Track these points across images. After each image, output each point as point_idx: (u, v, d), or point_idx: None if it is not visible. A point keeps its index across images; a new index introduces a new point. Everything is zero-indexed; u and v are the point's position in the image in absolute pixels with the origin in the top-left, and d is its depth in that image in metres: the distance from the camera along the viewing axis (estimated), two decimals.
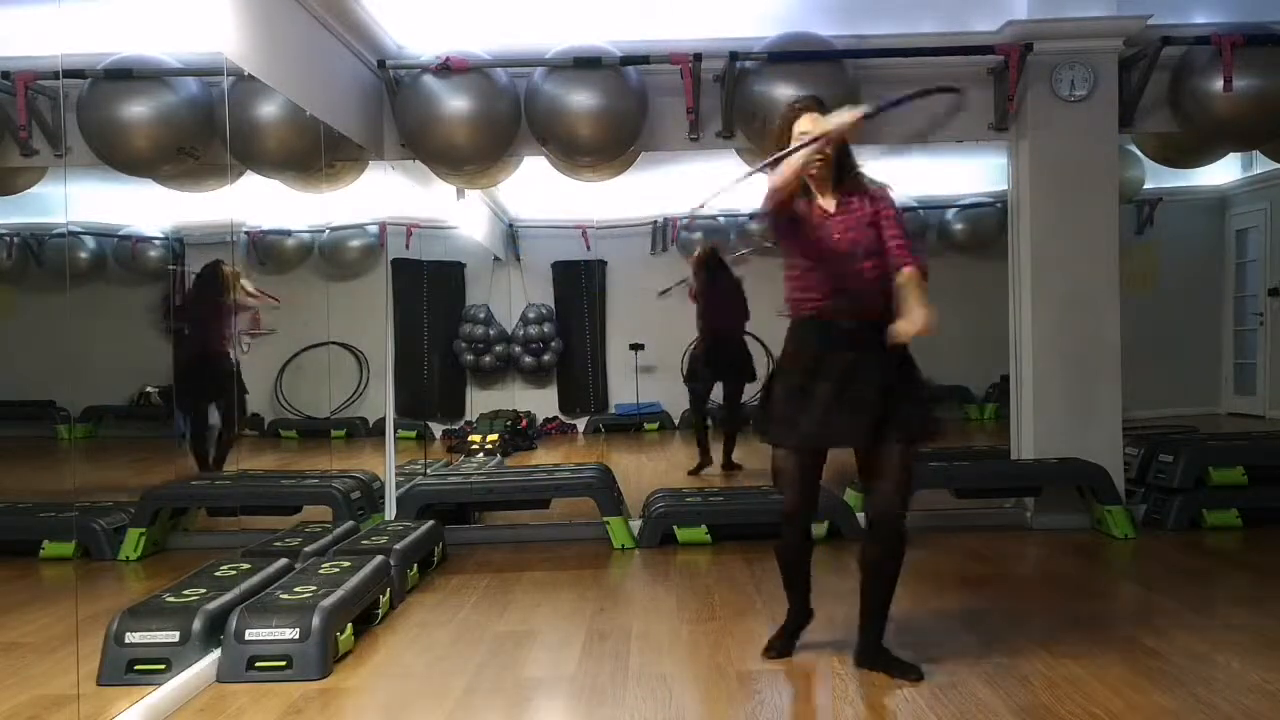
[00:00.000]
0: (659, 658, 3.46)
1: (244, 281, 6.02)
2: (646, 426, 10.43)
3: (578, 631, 3.79)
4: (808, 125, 3.17)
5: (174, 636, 3.27)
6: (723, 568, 4.73)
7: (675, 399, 10.29)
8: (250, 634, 3.33)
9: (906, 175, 9.53)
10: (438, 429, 9.25)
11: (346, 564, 3.95)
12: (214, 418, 6.18)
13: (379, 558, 4.10)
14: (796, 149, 3.09)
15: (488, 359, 10.48)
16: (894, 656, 3.23)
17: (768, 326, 9.57)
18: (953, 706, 2.93)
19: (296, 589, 3.60)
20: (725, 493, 5.84)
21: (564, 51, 5.20)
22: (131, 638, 3.26)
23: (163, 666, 3.21)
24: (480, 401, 10.31)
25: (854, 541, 5.02)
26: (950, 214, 9.98)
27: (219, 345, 5.98)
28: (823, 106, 3.25)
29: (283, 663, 3.30)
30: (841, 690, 3.13)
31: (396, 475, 5.51)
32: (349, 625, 3.58)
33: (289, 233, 7.68)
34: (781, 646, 3.44)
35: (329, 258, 7.95)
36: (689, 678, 3.27)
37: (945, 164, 9.02)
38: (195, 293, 5.97)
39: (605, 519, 5.27)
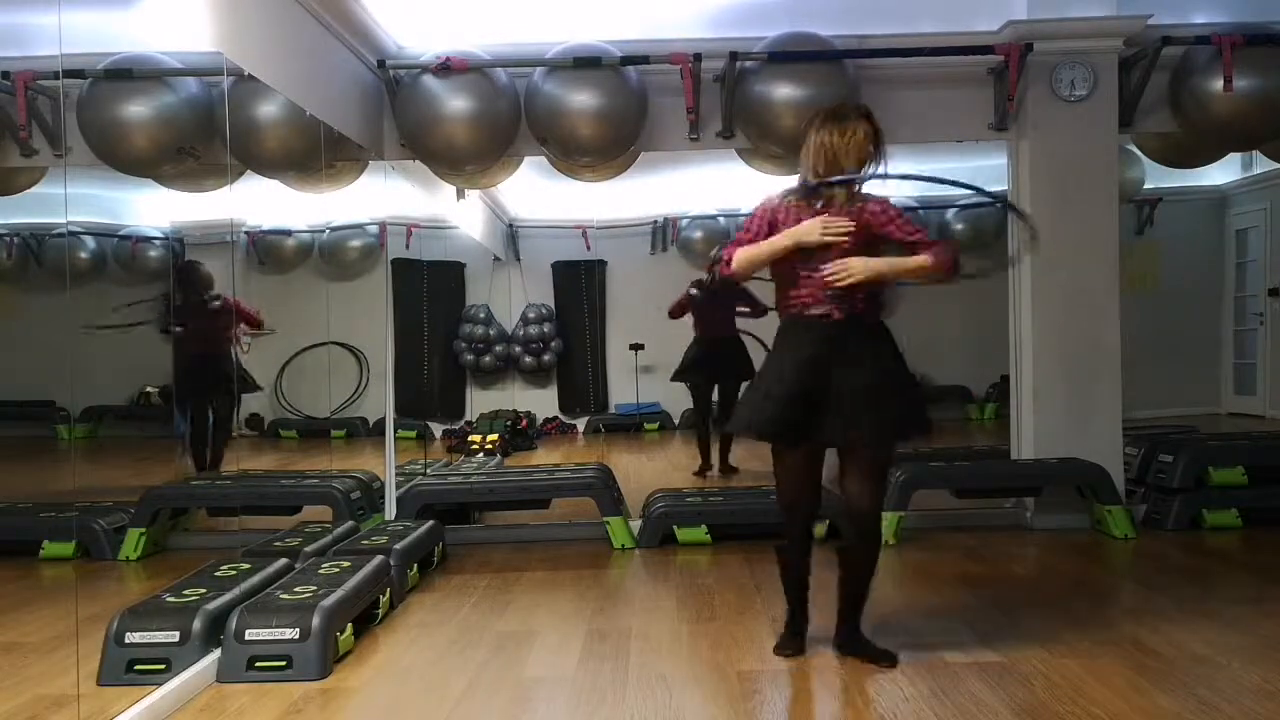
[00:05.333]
0: (659, 658, 3.46)
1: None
2: (646, 426, 10.43)
3: (578, 631, 3.79)
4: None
5: (174, 636, 3.27)
6: (723, 568, 4.73)
7: (675, 399, 10.30)
8: (250, 634, 3.32)
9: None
10: (438, 429, 9.25)
11: (346, 564, 3.95)
12: (210, 418, 6.16)
13: (379, 558, 4.10)
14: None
15: (488, 359, 10.48)
16: (871, 643, 3.37)
17: (770, 326, 9.62)
18: (953, 706, 2.93)
19: (296, 589, 3.60)
20: (725, 493, 5.83)
21: (564, 51, 5.20)
22: (131, 638, 3.26)
23: (163, 666, 3.21)
24: (480, 401, 10.32)
25: None
26: (950, 214, 9.97)
27: (216, 346, 5.94)
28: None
29: (283, 663, 3.30)
30: (842, 690, 3.13)
31: (396, 475, 5.50)
32: (349, 625, 3.58)
33: (289, 233, 7.68)
34: (793, 646, 3.45)
35: (329, 258, 7.95)
36: (689, 678, 3.27)
37: (945, 164, 9.01)
38: (180, 293, 5.96)
39: (605, 519, 5.27)
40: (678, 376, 7.94)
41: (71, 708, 2.99)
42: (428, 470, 6.82)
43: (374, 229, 7.57)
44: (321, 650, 3.33)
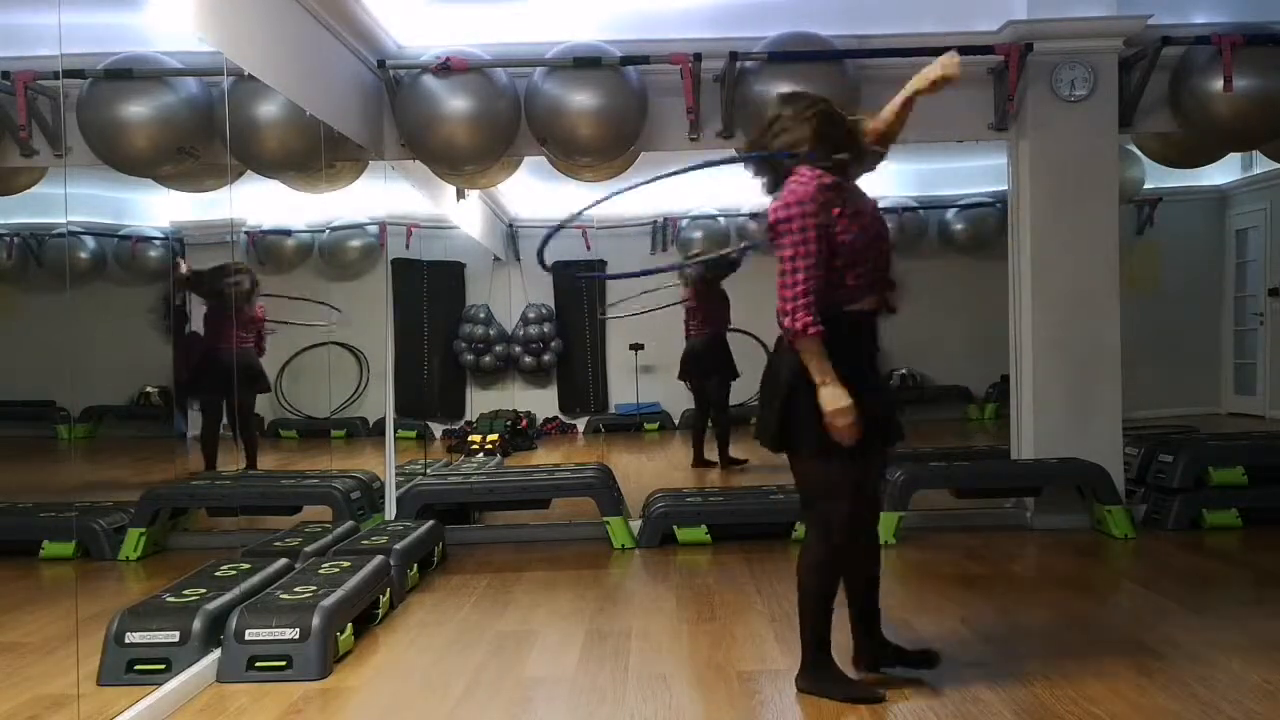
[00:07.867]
0: (659, 658, 3.46)
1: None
2: (646, 426, 10.43)
3: (578, 631, 3.79)
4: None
5: (174, 636, 3.27)
6: (723, 568, 4.73)
7: (675, 399, 10.30)
8: (250, 634, 3.33)
9: (907, 175, 9.58)
10: (438, 429, 9.25)
11: (346, 564, 3.95)
12: (225, 416, 6.13)
13: (379, 558, 4.10)
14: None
15: (488, 359, 10.48)
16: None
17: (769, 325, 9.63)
18: (953, 706, 2.93)
19: (296, 589, 3.60)
20: (725, 493, 5.84)
21: (564, 51, 5.20)
22: (131, 638, 3.26)
23: (163, 666, 3.21)
24: (480, 401, 10.32)
25: None
26: (950, 214, 9.99)
27: (243, 340, 5.91)
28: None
29: (283, 663, 3.30)
30: None
31: (396, 475, 5.51)
32: (349, 625, 3.58)
33: (289, 233, 7.68)
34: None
35: (329, 258, 7.95)
36: (689, 678, 3.27)
37: (945, 164, 9.03)
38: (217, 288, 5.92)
39: (605, 519, 5.27)
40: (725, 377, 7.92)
41: (71, 708, 2.99)
42: (428, 470, 6.82)
43: (374, 229, 7.56)
44: (321, 650, 3.33)
